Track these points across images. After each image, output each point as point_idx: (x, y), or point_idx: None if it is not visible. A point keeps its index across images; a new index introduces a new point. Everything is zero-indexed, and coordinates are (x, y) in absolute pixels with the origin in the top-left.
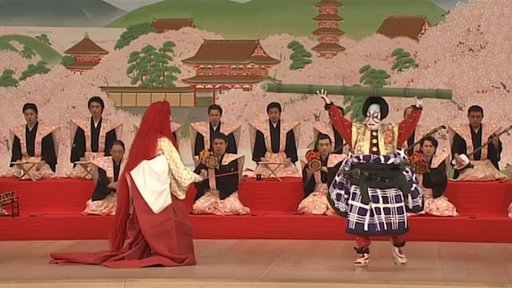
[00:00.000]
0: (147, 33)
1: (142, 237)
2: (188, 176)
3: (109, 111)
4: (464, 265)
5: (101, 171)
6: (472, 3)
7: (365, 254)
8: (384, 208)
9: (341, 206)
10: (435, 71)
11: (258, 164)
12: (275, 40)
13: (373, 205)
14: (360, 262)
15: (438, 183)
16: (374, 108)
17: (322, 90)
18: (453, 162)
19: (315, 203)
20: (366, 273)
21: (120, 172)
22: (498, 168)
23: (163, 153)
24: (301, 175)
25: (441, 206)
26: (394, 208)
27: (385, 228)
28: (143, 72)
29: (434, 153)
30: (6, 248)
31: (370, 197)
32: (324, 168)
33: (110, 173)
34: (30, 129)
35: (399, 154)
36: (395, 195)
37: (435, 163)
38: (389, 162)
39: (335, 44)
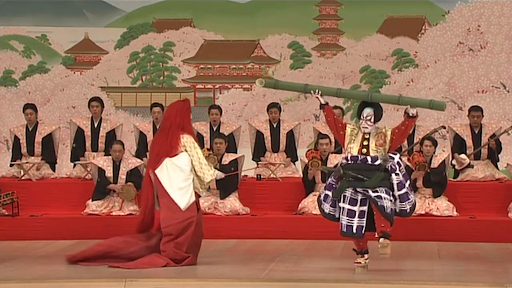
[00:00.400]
0: (147, 33)
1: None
2: (211, 172)
3: (109, 111)
4: (464, 265)
5: (101, 171)
6: (472, 3)
7: (365, 255)
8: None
9: (326, 207)
10: (435, 71)
11: (258, 164)
12: (275, 40)
13: (362, 208)
14: (360, 262)
15: (438, 183)
16: (367, 111)
17: (317, 91)
18: (453, 162)
19: (315, 203)
20: (366, 273)
21: (120, 172)
22: (498, 168)
23: (185, 150)
24: (301, 175)
25: (441, 206)
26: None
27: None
28: (143, 72)
29: (434, 153)
30: (6, 248)
31: (360, 200)
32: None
33: (109, 173)
34: (30, 129)
35: (392, 158)
36: (385, 191)
37: (435, 163)
38: (376, 163)
39: (335, 44)
